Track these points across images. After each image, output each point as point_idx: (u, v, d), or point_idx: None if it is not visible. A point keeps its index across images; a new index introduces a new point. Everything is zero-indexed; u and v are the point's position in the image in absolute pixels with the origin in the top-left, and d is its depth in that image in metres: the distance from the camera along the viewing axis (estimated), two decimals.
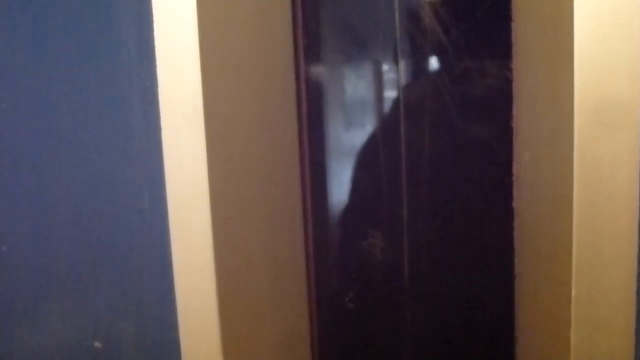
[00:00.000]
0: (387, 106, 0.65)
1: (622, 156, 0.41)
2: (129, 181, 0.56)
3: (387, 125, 0.65)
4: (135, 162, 0.55)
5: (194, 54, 0.50)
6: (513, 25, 0.59)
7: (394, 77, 0.63)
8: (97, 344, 0.60)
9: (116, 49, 0.54)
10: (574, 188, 0.41)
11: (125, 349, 0.59)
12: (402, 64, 0.63)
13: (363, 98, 0.66)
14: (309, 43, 0.64)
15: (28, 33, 0.56)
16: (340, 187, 0.67)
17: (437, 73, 0.62)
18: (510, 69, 0.59)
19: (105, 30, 0.54)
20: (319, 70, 0.65)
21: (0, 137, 0.58)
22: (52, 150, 0.57)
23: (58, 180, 0.57)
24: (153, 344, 0.57)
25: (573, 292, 0.42)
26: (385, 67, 0.64)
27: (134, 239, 0.57)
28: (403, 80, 0.63)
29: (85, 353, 0.60)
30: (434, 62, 0.62)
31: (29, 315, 0.61)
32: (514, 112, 0.59)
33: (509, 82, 0.60)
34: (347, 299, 0.68)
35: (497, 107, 0.61)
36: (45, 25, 0.56)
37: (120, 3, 0.53)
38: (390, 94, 0.64)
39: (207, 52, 0.50)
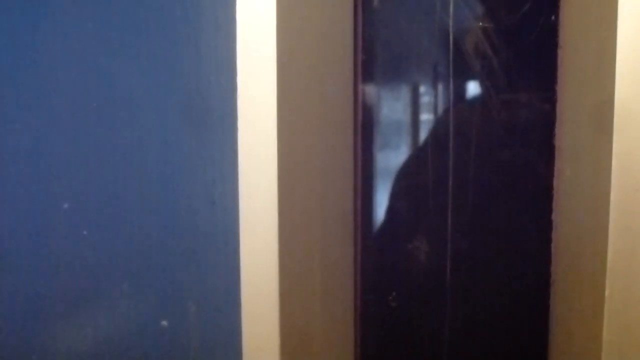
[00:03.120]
0: (437, 124, 0.70)
1: None
2: (204, 176, 0.62)
3: (436, 142, 0.70)
4: (211, 160, 0.61)
5: (272, 65, 0.56)
6: (559, 51, 0.64)
7: (444, 97, 0.69)
8: (164, 323, 0.66)
9: (201, 61, 0.60)
10: (611, 199, 0.46)
11: (190, 328, 0.64)
12: (452, 86, 0.68)
13: (414, 115, 0.71)
14: (366, 62, 0.69)
15: (118, 40, 0.63)
16: (389, 195, 0.73)
17: (487, 94, 0.67)
18: (555, 91, 0.64)
19: (192, 41, 0.60)
20: (373, 89, 0.71)
21: (92, 133, 0.64)
22: (138, 146, 0.63)
23: (141, 174, 0.64)
24: (216, 325, 0.63)
25: (607, 293, 0.47)
26: (435, 88, 0.69)
27: (205, 228, 0.62)
28: (452, 101, 0.68)
29: (153, 330, 0.66)
30: (484, 85, 0.67)
31: (103, 294, 0.67)
32: (557, 131, 0.64)
33: (553, 103, 0.65)
34: (390, 297, 0.73)
35: (541, 126, 0.66)
36: (134, 34, 0.62)
37: (207, 23, 0.60)
38: (440, 112, 0.70)
39: (283, 65, 0.56)
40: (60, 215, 0.67)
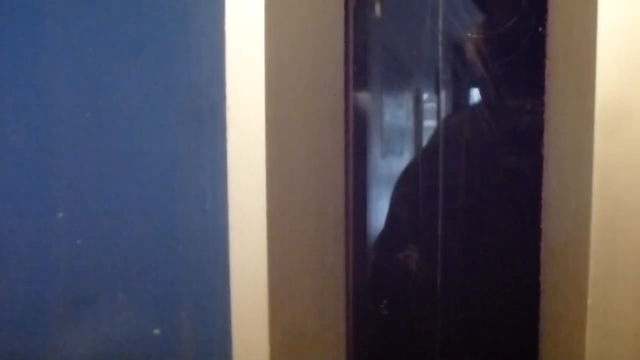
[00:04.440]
0: (427, 133, 0.71)
1: (637, 183, 0.46)
2: (195, 185, 0.62)
3: (427, 151, 0.71)
4: (201, 170, 0.62)
5: (260, 75, 0.57)
6: (547, 62, 0.64)
7: (434, 106, 0.69)
8: (156, 331, 0.66)
9: (191, 70, 0.61)
10: (592, 210, 0.47)
11: (182, 336, 0.65)
12: (443, 95, 0.69)
13: (404, 125, 0.72)
14: (358, 71, 0.70)
15: (111, 51, 0.64)
16: (380, 205, 0.73)
17: (476, 104, 0.68)
18: (543, 102, 0.65)
19: (182, 52, 0.61)
20: (365, 98, 0.72)
21: (86, 143, 0.65)
22: (131, 155, 0.64)
23: (129, 181, 0.64)
24: (207, 332, 0.64)
25: (589, 302, 0.47)
26: (426, 97, 0.70)
27: (196, 236, 0.63)
28: (443, 109, 0.69)
29: (145, 339, 0.66)
30: (473, 94, 0.68)
31: (97, 303, 0.68)
32: (545, 140, 0.64)
33: (541, 113, 0.65)
34: (381, 305, 0.73)
35: (530, 136, 0.66)
36: (126, 43, 0.63)
37: (197, 31, 0.61)
38: (430, 122, 0.70)
39: (272, 75, 0.57)
40: (54, 225, 0.67)
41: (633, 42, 0.46)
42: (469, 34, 0.67)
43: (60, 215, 0.67)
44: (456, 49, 0.68)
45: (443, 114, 0.69)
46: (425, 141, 0.71)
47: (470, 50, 0.68)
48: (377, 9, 0.70)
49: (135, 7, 0.62)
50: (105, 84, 0.64)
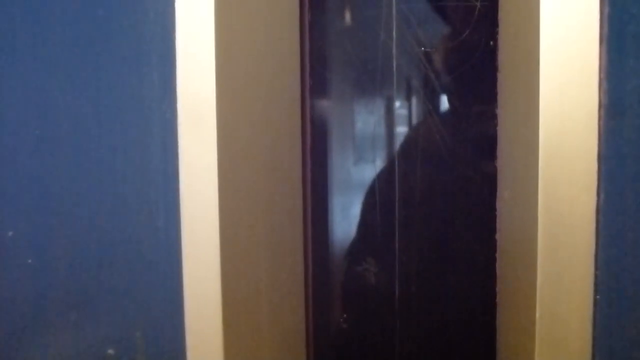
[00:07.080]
0: (383, 144, 0.71)
1: (580, 198, 0.47)
2: (146, 203, 0.61)
3: (383, 162, 0.71)
4: (153, 187, 0.61)
5: (211, 89, 0.56)
6: (499, 75, 0.65)
7: (389, 117, 0.70)
8: (110, 351, 0.65)
9: (142, 87, 0.60)
10: (538, 223, 0.47)
11: (136, 356, 0.64)
12: (398, 105, 0.69)
13: (361, 136, 0.72)
14: (315, 82, 0.70)
15: (62, 67, 0.63)
16: (338, 218, 0.73)
17: (430, 115, 0.68)
18: (495, 114, 0.65)
19: (132, 70, 0.61)
20: (322, 109, 0.72)
21: (34, 158, 0.64)
22: (81, 172, 0.63)
23: (81, 199, 0.63)
24: (161, 352, 0.63)
25: (537, 314, 0.48)
26: (381, 107, 0.70)
27: (148, 254, 0.62)
28: (398, 120, 0.69)
29: (100, 359, 0.65)
30: (427, 105, 0.69)
31: (50, 324, 0.66)
32: (498, 152, 0.65)
33: (494, 125, 0.66)
34: (341, 319, 0.73)
35: (485, 148, 0.67)
36: (77, 58, 0.62)
37: (146, 44, 0.60)
38: (386, 132, 0.71)
39: (223, 88, 0.57)
40: (4, 244, 0.66)
41: (572, 57, 0.47)
42: (422, 48, 0.68)
43: (10, 233, 0.66)
44: (410, 60, 0.68)
45: (397, 128, 0.69)
46: (382, 150, 0.71)
47: (423, 62, 0.68)
48: (334, 18, 0.71)
49: (82, 21, 0.62)
50: (52, 100, 0.63)
